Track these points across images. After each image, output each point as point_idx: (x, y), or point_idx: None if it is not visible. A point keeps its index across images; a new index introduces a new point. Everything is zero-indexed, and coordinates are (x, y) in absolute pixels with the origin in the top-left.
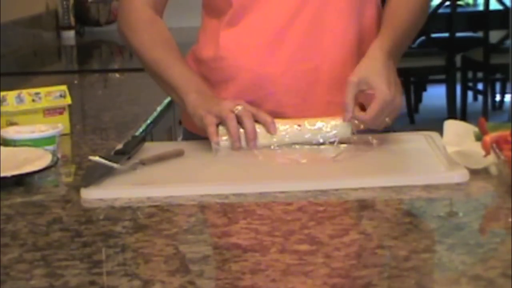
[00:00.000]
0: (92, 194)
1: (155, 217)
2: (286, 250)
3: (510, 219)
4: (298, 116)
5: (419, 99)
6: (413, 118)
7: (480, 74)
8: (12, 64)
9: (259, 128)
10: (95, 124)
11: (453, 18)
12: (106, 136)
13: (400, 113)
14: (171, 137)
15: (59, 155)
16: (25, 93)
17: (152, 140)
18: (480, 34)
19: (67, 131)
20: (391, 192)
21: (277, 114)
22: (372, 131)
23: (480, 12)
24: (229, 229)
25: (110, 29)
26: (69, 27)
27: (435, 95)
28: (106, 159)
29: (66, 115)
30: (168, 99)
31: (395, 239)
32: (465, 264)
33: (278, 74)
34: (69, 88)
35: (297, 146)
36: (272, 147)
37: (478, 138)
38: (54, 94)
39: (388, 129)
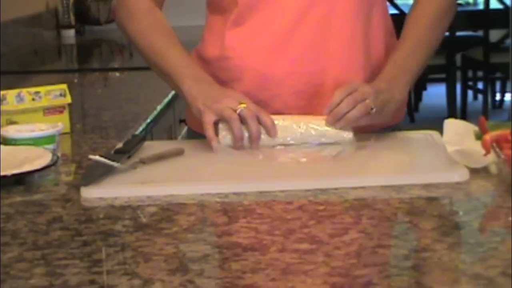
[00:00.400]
0: (92, 193)
1: (155, 216)
2: (286, 249)
3: (510, 218)
4: None
5: (419, 98)
6: (413, 117)
7: (480, 73)
8: (12, 63)
9: (263, 134)
10: (95, 123)
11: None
12: (106, 135)
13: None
14: (171, 136)
15: (59, 154)
16: (25, 92)
17: (152, 139)
18: (480, 33)
19: (67, 130)
20: (391, 191)
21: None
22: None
23: (480, 11)
24: (229, 228)
25: (110, 28)
26: (69, 26)
27: (435, 94)
28: (106, 158)
29: (66, 114)
30: (168, 98)
31: (395, 238)
32: (465, 263)
33: (284, 75)
34: (69, 87)
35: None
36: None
37: (478, 137)
38: (54, 93)
39: (393, 128)
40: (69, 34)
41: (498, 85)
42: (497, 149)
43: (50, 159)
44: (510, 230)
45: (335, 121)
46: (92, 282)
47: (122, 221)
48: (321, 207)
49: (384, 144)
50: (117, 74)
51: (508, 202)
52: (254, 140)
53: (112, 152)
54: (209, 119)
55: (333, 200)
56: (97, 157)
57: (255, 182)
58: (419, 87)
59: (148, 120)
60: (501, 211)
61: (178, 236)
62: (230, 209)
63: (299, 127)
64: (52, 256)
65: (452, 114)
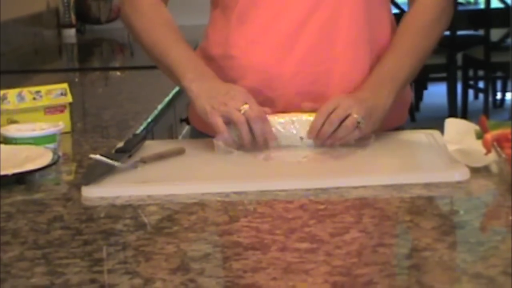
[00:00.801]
0: (93, 192)
1: (156, 215)
2: (287, 248)
3: (511, 217)
4: None
5: (420, 97)
6: (414, 116)
7: (481, 72)
8: (13, 62)
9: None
10: (96, 122)
11: (454, 16)
12: (107, 134)
13: None
14: (172, 135)
15: (60, 153)
16: (26, 91)
17: (153, 138)
18: (481, 32)
19: (68, 129)
20: (392, 190)
21: None
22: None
23: (481, 10)
24: (230, 227)
25: (111, 27)
26: (70, 25)
27: (436, 93)
28: (107, 157)
29: (67, 113)
30: (169, 97)
31: (396, 237)
32: (465, 262)
33: (289, 75)
34: (70, 86)
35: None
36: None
37: (479, 136)
38: (55, 92)
39: (397, 129)
40: (70, 33)
41: (499, 84)
42: (498, 148)
43: (51, 158)
44: (510, 229)
45: (321, 143)
46: (93, 281)
47: (123, 220)
48: (322, 206)
49: (385, 143)
50: (118, 73)
51: (509, 201)
52: (258, 144)
53: (113, 151)
54: (216, 120)
55: (334, 199)
56: (98, 156)
57: (256, 181)
58: (420, 86)
59: (149, 119)
60: (502, 210)
61: (179, 235)
62: (231, 209)
63: (300, 134)
64: (53, 255)
65: (453, 113)
